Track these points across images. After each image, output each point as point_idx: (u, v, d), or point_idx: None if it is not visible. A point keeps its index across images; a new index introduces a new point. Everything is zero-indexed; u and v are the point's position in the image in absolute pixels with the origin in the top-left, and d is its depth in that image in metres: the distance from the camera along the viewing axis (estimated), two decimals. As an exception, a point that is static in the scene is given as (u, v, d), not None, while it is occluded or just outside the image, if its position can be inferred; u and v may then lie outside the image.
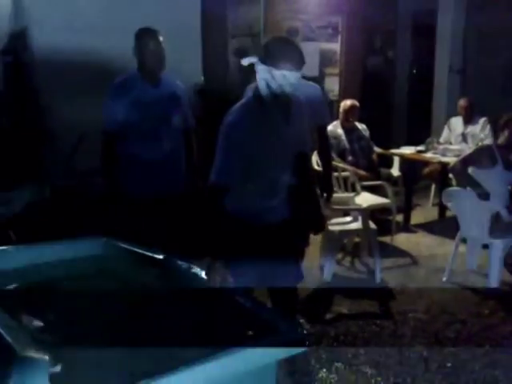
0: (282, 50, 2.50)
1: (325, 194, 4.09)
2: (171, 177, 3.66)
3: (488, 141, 6.06)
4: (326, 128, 4.07)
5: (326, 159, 4.09)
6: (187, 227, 3.48)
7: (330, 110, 6.78)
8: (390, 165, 6.56)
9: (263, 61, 2.49)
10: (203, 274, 2.20)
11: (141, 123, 3.51)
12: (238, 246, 2.58)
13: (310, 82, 4.01)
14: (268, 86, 2.51)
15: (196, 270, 2.22)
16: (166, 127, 3.61)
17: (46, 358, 1.45)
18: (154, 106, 3.54)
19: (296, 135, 2.68)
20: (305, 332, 3.49)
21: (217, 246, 2.49)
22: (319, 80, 6.92)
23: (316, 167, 5.95)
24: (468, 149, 5.61)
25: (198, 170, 3.79)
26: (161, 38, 3.55)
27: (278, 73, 2.47)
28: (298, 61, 2.50)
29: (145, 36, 3.56)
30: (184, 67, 4.48)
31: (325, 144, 4.06)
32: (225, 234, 2.55)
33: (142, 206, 3.53)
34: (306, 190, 2.87)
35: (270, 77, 2.48)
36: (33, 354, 1.45)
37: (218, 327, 1.88)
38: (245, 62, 2.56)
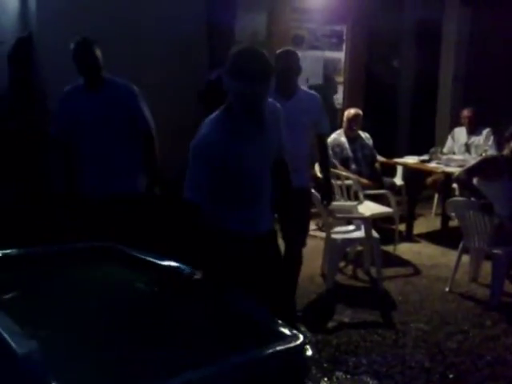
0: (240, 62, 2.41)
1: (325, 202, 4.12)
2: (120, 178, 3.84)
3: (491, 151, 6.07)
4: (325, 137, 4.12)
5: (325, 167, 4.17)
6: (137, 228, 3.63)
7: (334, 117, 6.87)
8: (393, 174, 6.56)
9: (228, 72, 2.43)
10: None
11: (83, 127, 3.78)
12: (224, 258, 2.51)
13: (310, 91, 4.05)
14: (235, 98, 2.45)
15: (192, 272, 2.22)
16: (107, 129, 3.79)
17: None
18: (92, 111, 3.77)
19: (271, 144, 2.63)
20: (306, 340, 3.48)
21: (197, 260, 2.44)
22: (326, 87, 6.95)
23: (318, 174, 5.97)
24: (471, 159, 5.61)
25: (159, 172, 3.90)
26: (96, 47, 3.77)
27: (241, 84, 2.39)
28: (259, 73, 2.39)
29: (80, 45, 3.76)
30: (191, 73, 4.49)
31: (324, 153, 4.13)
32: (206, 247, 2.51)
33: (93, 205, 3.78)
34: (284, 199, 2.83)
35: (235, 89, 2.42)
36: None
37: (218, 332, 1.88)
38: (213, 76, 2.54)
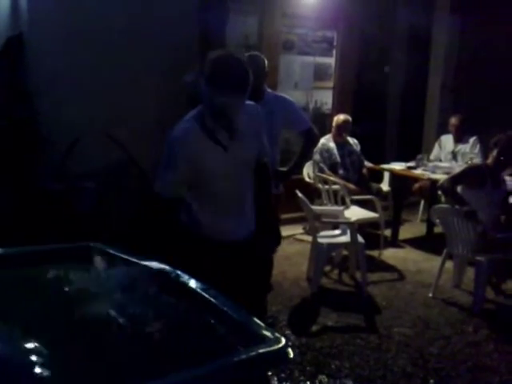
0: (217, 71, 2.37)
1: (283, 169, 3.96)
2: None
3: (478, 159, 6.14)
4: (307, 132, 4.00)
5: (298, 161, 4.07)
6: None
7: (323, 123, 6.91)
8: (380, 180, 6.61)
9: (204, 79, 2.40)
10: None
11: None
12: (195, 260, 2.50)
13: (279, 94, 4.07)
14: (210, 105, 2.44)
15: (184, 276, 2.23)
16: None
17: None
18: None
19: (248, 151, 2.61)
20: (289, 343, 3.51)
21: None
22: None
23: (307, 179, 6.02)
24: (457, 167, 5.68)
25: None
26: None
27: (216, 94, 2.37)
28: (236, 83, 2.37)
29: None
30: (182, 76, 4.50)
31: (303, 149, 4.05)
32: (179, 247, 2.52)
33: None
34: (262, 205, 2.79)
35: (211, 97, 2.40)
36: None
37: (201, 337, 1.89)
38: (187, 78, 2.54)
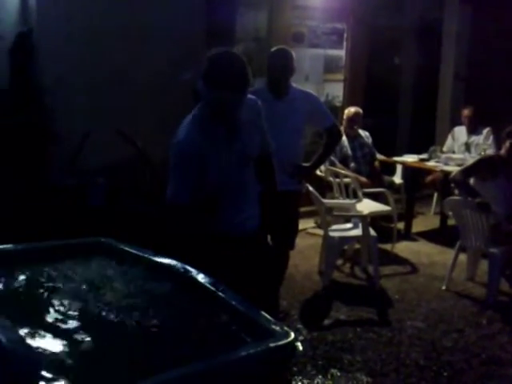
0: (216, 69, 2.34)
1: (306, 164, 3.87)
2: None
3: (491, 151, 6.08)
4: (331, 130, 3.90)
5: (319, 159, 3.96)
6: None
7: (334, 116, 6.86)
8: (392, 172, 6.57)
9: (203, 78, 2.36)
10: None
11: None
12: (204, 255, 2.47)
13: (304, 89, 3.97)
14: (208, 104, 2.42)
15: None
16: None
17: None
18: None
19: (249, 145, 2.59)
20: (298, 337, 3.51)
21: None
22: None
23: (318, 173, 5.99)
24: (471, 158, 5.62)
25: None
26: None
27: (215, 93, 2.34)
28: (235, 83, 2.34)
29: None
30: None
31: (326, 147, 3.94)
32: (186, 242, 2.50)
33: None
34: (269, 196, 2.78)
35: (209, 95, 2.38)
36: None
37: (210, 330, 1.89)
38: (185, 75, 2.52)
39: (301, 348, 1.82)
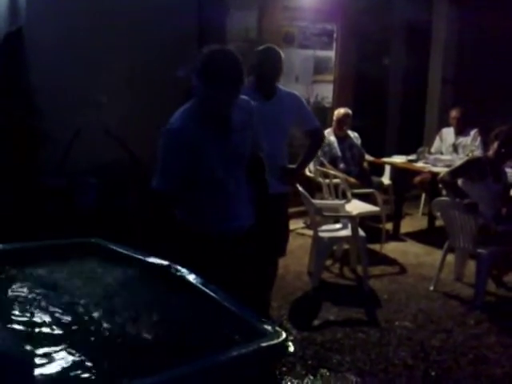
0: (211, 66, 2.36)
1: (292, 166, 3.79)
2: None
3: (479, 152, 6.13)
4: (314, 132, 3.88)
5: (303, 160, 3.91)
6: None
7: (323, 116, 6.90)
8: (381, 173, 6.60)
9: (197, 74, 2.38)
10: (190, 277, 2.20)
11: None
12: (193, 255, 2.49)
13: (289, 90, 3.91)
14: (202, 100, 2.43)
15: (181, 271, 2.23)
16: None
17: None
18: None
19: (241, 143, 2.59)
20: (290, 337, 3.52)
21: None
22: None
23: (308, 173, 6.01)
24: (459, 159, 5.66)
25: None
26: None
27: (210, 89, 2.36)
28: (230, 79, 2.35)
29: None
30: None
31: (310, 149, 3.90)
32: (177, 242, 2.51)
33: None
34: (260, 197, 2.78)
35: (204, 92, 2.39)
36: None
37: (202, 331, 1.90)
38: (180, 73, 2.53)
39: (292, 348, 1.83)
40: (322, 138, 4.19)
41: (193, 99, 2.55)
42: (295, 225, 6.06)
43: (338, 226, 5.06)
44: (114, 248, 2.49)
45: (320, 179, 5.82)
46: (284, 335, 1.81)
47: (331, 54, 7.07)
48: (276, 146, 3.54)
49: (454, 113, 6.57)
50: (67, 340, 1.75)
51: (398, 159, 6.37)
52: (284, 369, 3.35)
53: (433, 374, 3.44)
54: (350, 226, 4.80)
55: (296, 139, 4.46)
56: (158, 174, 2.54)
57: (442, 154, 6.53)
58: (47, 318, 1.89)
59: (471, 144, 6.45)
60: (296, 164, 3.83)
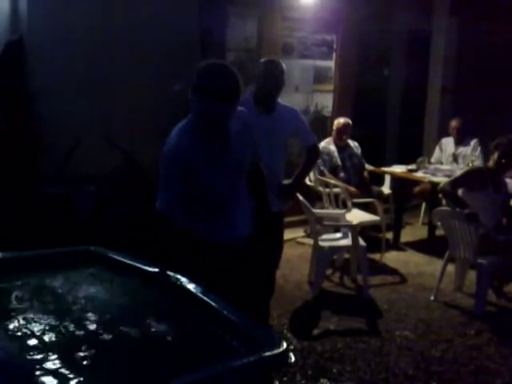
0: (208, 80, 2.34)
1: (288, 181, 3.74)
2: None
3: (479, 162, 6.13)
4: (312, 148, 3.88)
5: (300, 175, 3.87)
6: None
7: (323, 126, 6.90)
8: (381, 182, 6.60)
9: (194, 88, 2.37)
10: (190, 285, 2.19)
11: None
12: (196, 265, 2.48)
13: (288, 105, 3.88)
14: (199, 115, 2.42)
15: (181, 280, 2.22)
16: None
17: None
18: None
19: (241, 156, 2.58)
20: (290, 347, 3.51)
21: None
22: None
23: (308, 182, 6.00)
24: (458, 169, 5.67)
25: None
26: None
27: (206, 104, 2.35)
28: (226, 94, 2.33)
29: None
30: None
31: (306, 165, 3.87)
32: (177, 250, 2.51)
33: None
34: (258, 210, 2.77)
35: (200, 106, 2.38)
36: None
37: (202, 341, 1.89)
38: (176, 87, 2.52)
39: (293, 358, 1.81)
40: (318, 155, 4.24)
41: (189, 114, 2.55)
42: (295, 234, 6.05)
43: (338, 235, 5.05)
44: (114, 256, 2.49)
45: (320, 188, 5.82)
46: (285, 345, 1.79)
47: (331, 64, 7.08)
48: (275, 161, 3.54)
49: (453, 123, 6.58)
50: (65, 349, 1.74)
51: (398, 169, 6.37)
52: (284, 379, 3.34)
53: (434, 384, 3.42)
54: (350, 235, 4.79)
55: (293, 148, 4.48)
56: (161, 195, 2.54)
57: (441, 163, 6.54)
58: (45, 327, 1.88)
59: (471, 154, 6.46)
60: (291, 179, 3.76)
